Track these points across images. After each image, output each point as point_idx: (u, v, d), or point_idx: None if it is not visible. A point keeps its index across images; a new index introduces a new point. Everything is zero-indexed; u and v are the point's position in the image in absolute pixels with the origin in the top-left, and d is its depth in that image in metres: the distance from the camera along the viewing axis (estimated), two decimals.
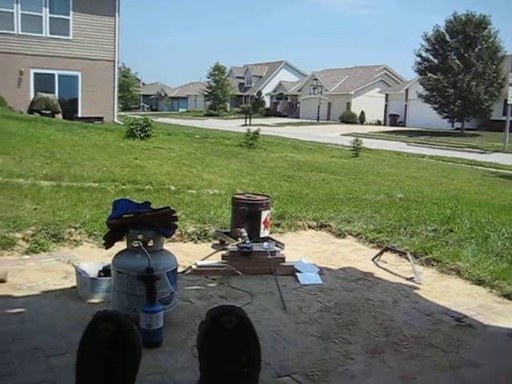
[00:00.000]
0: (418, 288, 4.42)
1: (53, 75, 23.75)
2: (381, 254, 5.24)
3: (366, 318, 3.71)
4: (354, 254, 5.41)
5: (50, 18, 23.35)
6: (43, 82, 23.35)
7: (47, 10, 23.19)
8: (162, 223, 3.35)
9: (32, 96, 23.09)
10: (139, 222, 3.28)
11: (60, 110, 22.78)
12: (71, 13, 23.62)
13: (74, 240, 5.01)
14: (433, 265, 5.03)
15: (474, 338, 3.46)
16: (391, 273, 4.83)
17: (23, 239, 4.82)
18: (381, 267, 5.00)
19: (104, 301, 3.63)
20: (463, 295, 4.30)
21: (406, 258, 5.11)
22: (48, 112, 22.13)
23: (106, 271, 3.82)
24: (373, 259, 5.19)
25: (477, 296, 4.28)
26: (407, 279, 4.63)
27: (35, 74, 23.32)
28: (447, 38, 38.00)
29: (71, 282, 4.00)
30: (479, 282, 4.52)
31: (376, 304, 3.98)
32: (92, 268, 3.95)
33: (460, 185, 11.83)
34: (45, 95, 22.83)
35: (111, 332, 2.27)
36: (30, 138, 12.72)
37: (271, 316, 3.64)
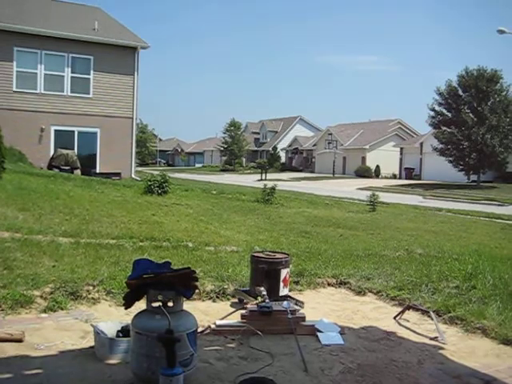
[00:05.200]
0: (442, 348, 4.30)
1: (72, 132, 24.28)
2: (403, 312, 5.12)
3: (391, 380, 3.59)
4: (375, 313, 5.29)
5: (72, 78, 24.08)
6: (63, 139, 23.87)
7: (69, 70, 23.96)
8: (182, 284, 3.32)
9: (52, 152, 23.54)
10: (159, 283, 3.25)
11: (79, 165, 23.15)
12: (92, 72, 24.37)
13: (92, 298, 4.99)
14: (457, 323, 4.90)
15: None
16: (414, 332, 4.72)
17: (41, 297, 4.81)
18: (403, 326, 4.88)
19: (122, 362, 3.57)
20: (491, 356, 4.16)
21: (429, 316, 4.99)
22: (67, 168, 22.48)
23: (124, 331, 3.77)
24: (394, 317, 5.08)
25: (506, 357, 4.13)
26: (431, 339, 4.51)
27: (56, 130, 23.85)
28: (460, 92, 38.52)
29: (89, 341, 3.95)
30: (507, 342, 4.37)
31: (400, 365, 3.87)
32: (110, 328, 3.90)
33: (480, 239, 11.65)
34: (64, 151, 23.25)
35: None
36: (49, 194, 12.87)
37: (293, 378, 3.54)
